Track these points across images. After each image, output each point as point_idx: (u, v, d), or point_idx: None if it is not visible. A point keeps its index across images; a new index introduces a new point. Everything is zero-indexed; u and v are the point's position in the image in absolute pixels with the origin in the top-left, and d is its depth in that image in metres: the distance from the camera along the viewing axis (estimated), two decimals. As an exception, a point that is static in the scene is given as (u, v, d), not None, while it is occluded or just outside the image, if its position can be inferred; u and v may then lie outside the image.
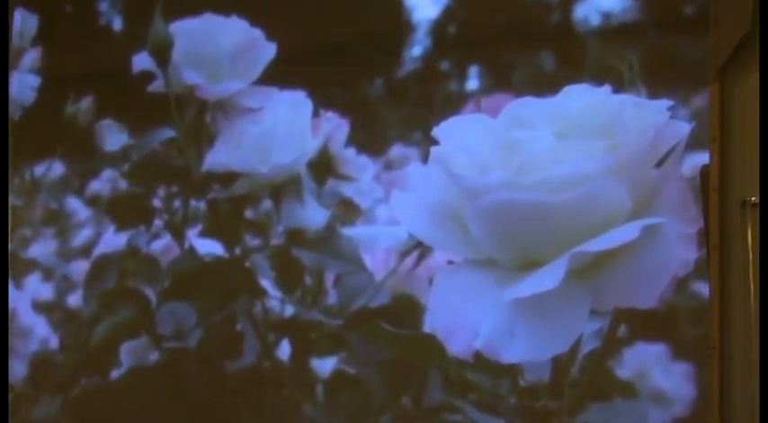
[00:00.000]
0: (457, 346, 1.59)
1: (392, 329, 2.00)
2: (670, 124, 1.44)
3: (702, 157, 1.49)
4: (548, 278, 1.55)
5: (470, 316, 1.65)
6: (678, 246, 1.40)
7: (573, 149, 1.50)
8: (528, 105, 1.66)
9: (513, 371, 1.76)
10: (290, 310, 2.23)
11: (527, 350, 1.54)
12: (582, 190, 1.45)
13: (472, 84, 2.26)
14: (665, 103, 1.44)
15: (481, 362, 1.65)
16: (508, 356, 1.56)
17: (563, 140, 1.52)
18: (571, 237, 1.62)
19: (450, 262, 1.69)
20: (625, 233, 1.43)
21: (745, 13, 1.24)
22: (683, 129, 1.45)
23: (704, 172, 1.36)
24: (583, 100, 1.56)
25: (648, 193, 1.48)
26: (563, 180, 1.53)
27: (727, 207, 1.30)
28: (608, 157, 1.46)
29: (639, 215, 1.42)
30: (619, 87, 1.86)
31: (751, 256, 1.26)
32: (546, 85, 1.97)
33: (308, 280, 2.19)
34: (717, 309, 1.30)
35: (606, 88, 1.65)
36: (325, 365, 2.14)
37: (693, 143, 1.80)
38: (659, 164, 1.49)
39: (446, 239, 1.64)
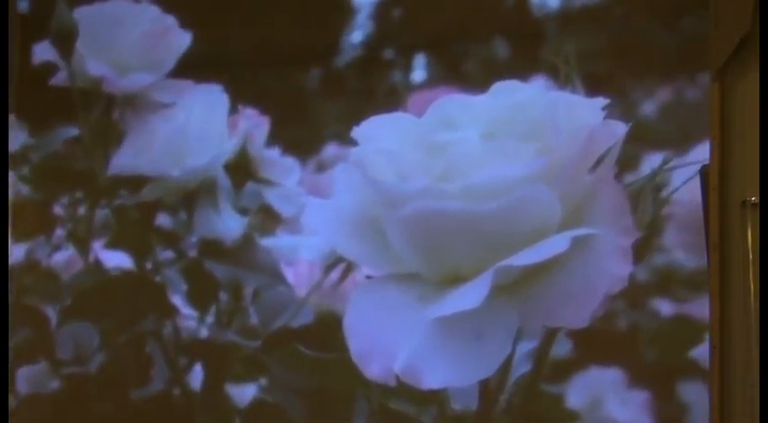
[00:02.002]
0: (375, 371, 1.60)
1: (311, 353, 2.00)
2: (605, 125, 1.45)
3: (702, 156, 1.51)
4: (470, 295, 1.56)
5: (389, 336, 1.66)
6: (612, 259, 1.41)
7: (500, 153, 1.51)
8: (454, 103, 1.67)
9: (438, 398, 1.76)
10: (203, 331, 2.23)
11: (449, 374, 1.54)
12: (509, 198, 1.46)
13: (418, 75, 2.27)
14: (599, 101, 1.45)
15: (406, 388, 1.66)
16: (429, 381, 1.56)
17: (490, 143, 1.53)
18: (497, 249, 1.63)
19: (369, 276, 1.69)
20: (554, 245, 1.44)
21: (745, 13, 1.28)
22: (618, 129, 1.46)
23: (704, 172, 1.46)
24: (512, 98, 1.57)
25: (580, 201, 1.49)
26: (488, 187, 1.54)
27: (727, 207, 1.41)
28: (537, 162, 1.47)
29: (570, 225, 1.43)
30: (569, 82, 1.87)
31: (751, 256, 1.37)
32: (499, 77, 1.98)
33: (223, 296, 2.19)
34: (717, 309, 1.41)
35: (538, 84, 1.66)
36: (242, 393, 2.14)
37: (692, 142, 1.82)
38: (593, 168, 1.50)
39: (365, 252, 1.65)
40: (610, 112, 1.95)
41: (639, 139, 2.02)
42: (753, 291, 1.30)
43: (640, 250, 1.58)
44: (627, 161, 2.04)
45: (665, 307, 1.88)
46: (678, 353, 1.84)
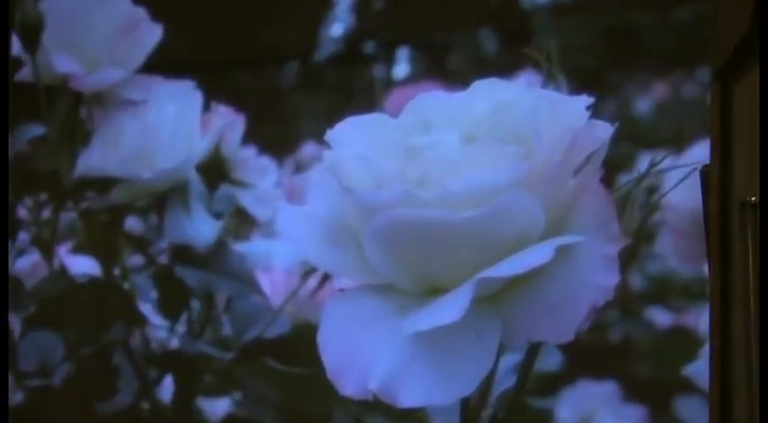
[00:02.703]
0: (350, 388, 1.57)
1: (283, 368, 1.97)
2: (589, 126, 1.42)
3: (698, 157, 1.49)
4: (450, 308, 1.52)
5: (364, 352, 1.62)
6: (597, 268, 1.38)
7: (480, 157, 1.47)
8: (432, 103, 1.64)
9: (418, 415, 1.74)
10: (174, 341, 2.20)
11: (428, 392, 1.51)
12: (489, 205, 1.43)
13: (401, 70, 2.25)
14: (584, 99, 1.42)
15: (384, 405, 1.63)
16: (407, 400, 1.53)
17: (470, 146, 1.50)
18: (478, 260, 1.60)
19: (342, 289, 1.66)
20: (537, 255, 1.41)
21: (745, 13, 1.29)
22: (603, 131, 1.43)
23: (704, 172, 1.42)
24: (493, 97, 1.54)
25: (564, 208, 1.46)
26: (468, 194, 1.50)
27: (728, 207, 1.37)
28: (520, 166, 1.44)
29: (554, 233, 1.40)
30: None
31: (751, 256, 1.33)
32: (486, 73, 1.95)
33: (195, 305, 2.16)
34: (717, 309, 1.38)
35: (521, 83, 1.63)
36: (215, 407, 2.11)
37: (688, 142, 1.81)
38: (577, 172, 1.47)
39: (338, 262, 1.61)
40: (602, 111, 1.93)
41: (634, 139, 2.00)
42: (753, 291, 1.31)
43: (628, 258, 1.55)
44: (621, 162, 2.02)
45: (660, 317, 1.87)
46: (675, 366, 1.82)
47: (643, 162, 1.90)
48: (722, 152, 1.41)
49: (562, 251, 1.48)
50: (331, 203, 1.78)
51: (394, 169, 1.69)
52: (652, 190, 1.87)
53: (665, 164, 1.71)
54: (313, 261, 1.84)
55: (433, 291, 1.72)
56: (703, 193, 1.45)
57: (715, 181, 1.41)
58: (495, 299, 1.57)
